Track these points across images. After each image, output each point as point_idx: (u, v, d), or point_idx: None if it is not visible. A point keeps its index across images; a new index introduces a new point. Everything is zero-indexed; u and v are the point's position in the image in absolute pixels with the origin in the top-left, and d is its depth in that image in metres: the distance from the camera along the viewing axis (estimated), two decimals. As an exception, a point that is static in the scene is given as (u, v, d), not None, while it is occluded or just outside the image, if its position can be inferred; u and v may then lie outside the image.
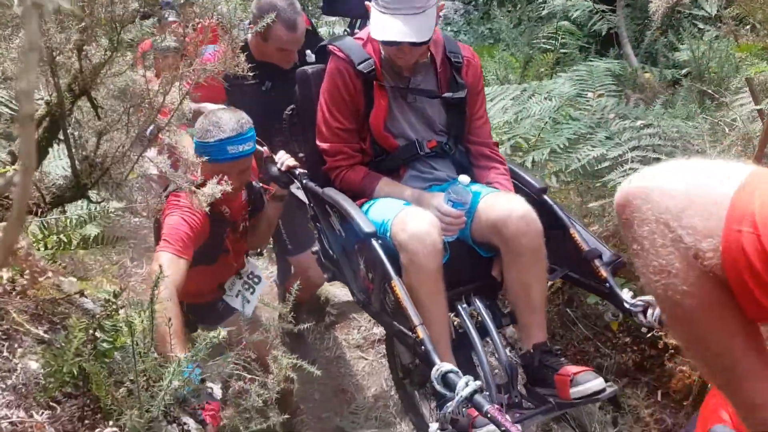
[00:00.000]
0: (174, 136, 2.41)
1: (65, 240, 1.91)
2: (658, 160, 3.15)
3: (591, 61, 4.37)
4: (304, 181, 2.71)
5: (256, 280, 3.02)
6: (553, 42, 5.30)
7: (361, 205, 2.47)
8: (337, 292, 4.24)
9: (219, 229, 2.65)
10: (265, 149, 2.87)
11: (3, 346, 1.51)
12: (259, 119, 2.75)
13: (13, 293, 1.69)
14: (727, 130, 3.08)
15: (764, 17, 2.86)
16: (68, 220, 1.92)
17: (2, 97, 2.55)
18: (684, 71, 4.40)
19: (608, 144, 3.26)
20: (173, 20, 4.14)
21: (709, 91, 3.74)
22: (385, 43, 2.38)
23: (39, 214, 2.00)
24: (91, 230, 2.15)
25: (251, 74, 2.69)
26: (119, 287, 1.75)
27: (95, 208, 2.02)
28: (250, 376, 1.89)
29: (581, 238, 2.40)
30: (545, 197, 2.55)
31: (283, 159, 2.83)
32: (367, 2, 2.41)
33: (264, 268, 4.40)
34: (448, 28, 8.58)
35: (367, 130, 2.52)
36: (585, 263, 2.35)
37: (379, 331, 3.94)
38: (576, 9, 5.54)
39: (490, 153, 2.64)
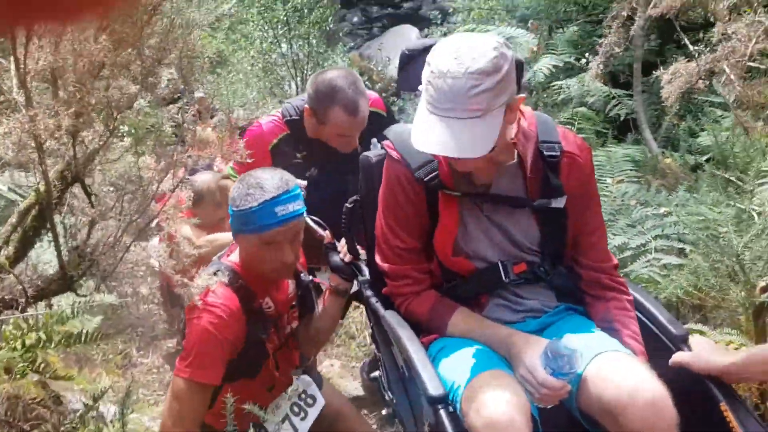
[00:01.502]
0: (174, 225, 2.31)
1: (45, 338, 1.78)
2: (682, 250, 2.99)
3: (609, 147, 4.28)
4: (366, 293, 2.18)
5: (309, 401, 2.30)
6: (571, 127, 5.24)
7: (429, 345, 1.91)
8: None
9: (260, 329, 2.12)
10: (326, 233, 2.41)
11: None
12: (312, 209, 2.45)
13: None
14: (756, 217, 2.93)
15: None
16: (48, 316, 1.79)
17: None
18: (706, 157, 4.29)
19: (630, 232, 3.11)
20: (201, 95, 4.21)
21: (732, 178, 3.61)
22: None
23: (20, 309, 1.88)
24: (83, 324, 2.02)
25: (298, 154, 2.57)
26: (119, 379, 1.60)
27: (80, 302, 1.89)
28: None
29: (737, 419, 1.61)
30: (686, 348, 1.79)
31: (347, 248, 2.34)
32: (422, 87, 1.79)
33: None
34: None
35: (434, 250, 1.93)
36: None
37: None
38: (592, 94, 5.51)
39: (608, 281, 1.91)
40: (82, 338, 1.84)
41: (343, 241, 2.35)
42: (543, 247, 1.89)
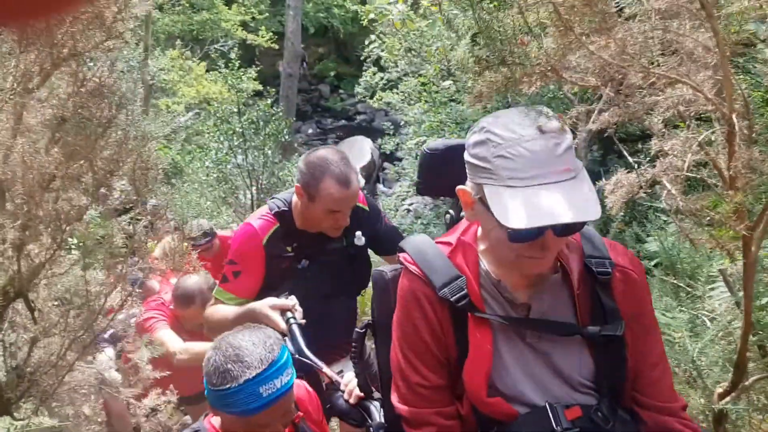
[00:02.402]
0: (136, 339, 2.22)
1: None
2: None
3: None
4: None
5: None
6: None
7: None
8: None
9: None
10: (325, 371, 2.06)
11: None
12: (304, 308, 2.29)
13: None
14: (708, 323, 2.98)
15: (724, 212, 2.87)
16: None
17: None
18: (654, 262, 4.39)
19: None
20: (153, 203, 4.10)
21: (681, 285, 3.69)
22: (525, 237, 1.36)
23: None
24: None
25: (288, 248, 2.48)
26: None
27: (17, 427, 1.77)
28: None
29: None
30: None
31: (352, 386, 1.98)
32: (462, 187, 1.46)
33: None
34: (418, 222, 8.75)
35: (463, 388, 1.52)
36: None
37: None
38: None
39: (679, 426, 1.51)
40: (15, 467, 1.71)
41: (347, 377, 2.02)
42: (599, 385, 1.50)
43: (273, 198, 2.65)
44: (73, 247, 1.95)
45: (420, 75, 9.25)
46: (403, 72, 9.83)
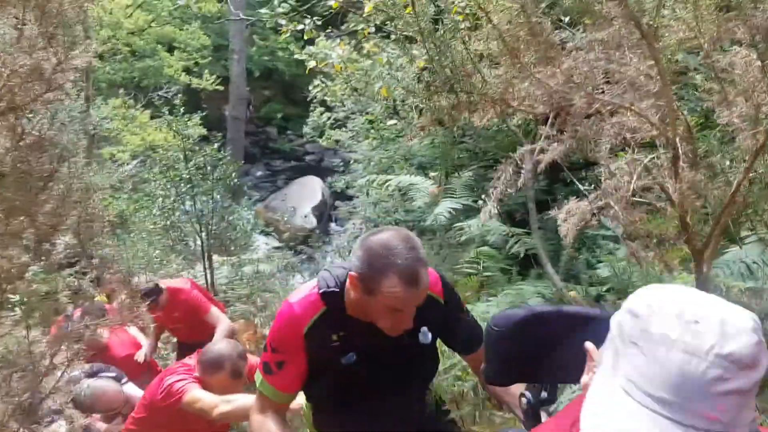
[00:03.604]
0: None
1: None
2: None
3: (519, 284, 4.39)
4: None
5: None
6: (476, 266, 5.37)
7: None
8: None
9: None
10: None
11: None
12: (336, 410, 2.07)
13: None
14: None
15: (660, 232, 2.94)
16: None
17: None
18: (606, 287, 4.46)
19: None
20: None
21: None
22: None
23: None
24: None
25: (334, 335, 2.04)
26: None
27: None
28: None
29: None
30: None
31: None
32: (590, 345, 1.15)
33: None
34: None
35: None
36: None
37: None
38: (492, 233, 5.72)
39: None
40: None
41: None
42: None
43: (325, 270, 2.18)
44: (14, 305, 1.86)
45: (367, 113, 9.35)
46: (350, 111, 9.92)
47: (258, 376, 2.12)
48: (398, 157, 8.84)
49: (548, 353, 1.27)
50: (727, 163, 1.92)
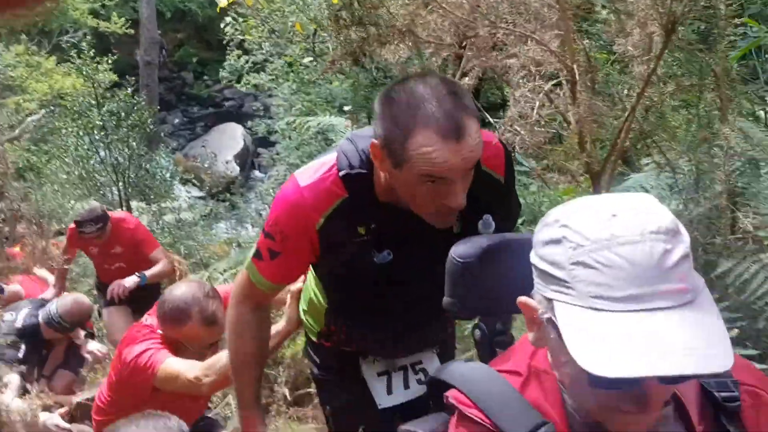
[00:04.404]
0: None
1: None
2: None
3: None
4: None
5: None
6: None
7: None
8: None
9: None
10: None
11: None
12: (367, 316, 1.74)
13: None
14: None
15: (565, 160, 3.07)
16: None
17: None
18: (521, 220, 4.66)
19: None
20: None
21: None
22: (613, 385, 0.89)
23: None
24: None
25: (361, 229, 1.57)
26: None
27: None
28: None
29: None
30: None
31: None
32: (525, 300, 1.02)
33: None
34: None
35: None
36: None
37: None
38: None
39: None
40: None
41: None
42: None
43: (349, 140, 1.61)
44: None
45: (285, 55, 9.17)
46: (268, 53, 9.69)
47: (250, 255, 1.74)
48: (320, 100, 8.77)
49: (511, 282, 1.14)
50: (625, 91, 2.04)
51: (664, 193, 2.63)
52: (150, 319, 2.59)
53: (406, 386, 1.87)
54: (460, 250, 1.30)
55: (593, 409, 0.99)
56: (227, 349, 1.87)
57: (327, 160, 1.59)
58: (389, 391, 1.86)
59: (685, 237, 0.91)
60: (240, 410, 1.83)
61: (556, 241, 0.92)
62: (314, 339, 1.95)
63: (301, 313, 2.01)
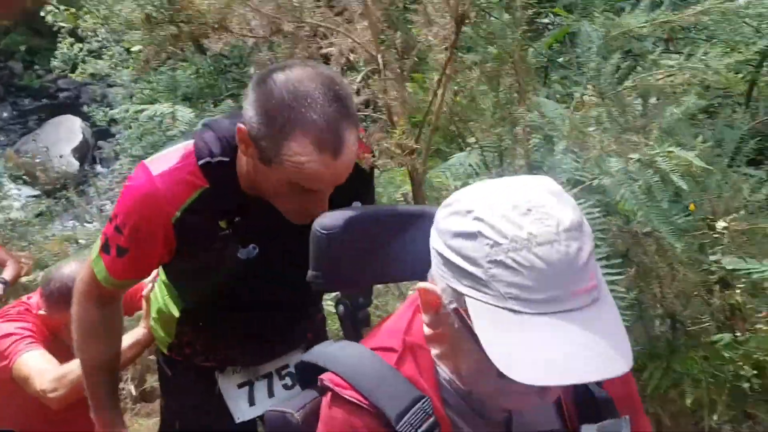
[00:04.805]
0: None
1: None
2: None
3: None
4: None
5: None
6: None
7: None
8: None
9: None
10: None
11: None
12: (227, 320, 1.65)
13: None
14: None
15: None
16: None
17: None
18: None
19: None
20: None
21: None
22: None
23: None
24: None
25: (222, 224, 1.46)
26: None
27: None
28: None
29: None
30: None
31: None
32: (426, 286, 0.99)
33: None
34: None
35: None
36: None
37: None
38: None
39: None
40: None
41: None
42: None
43: (206, 126, 1.49)
44: None
45: (123, 41, 8.78)
46: (105, 40, 9.22)
47: (95, 246, 1.57)
48: (162, 88, 8.50)
49: (376, 254, 1.15)
50: (435, 79, 2.21)
51: (481, 170, 2.87)
52: (35, 297, 2.34)
53: (271, 394, 1.79)
54: (324, 221, 1.23)
55: (490, 392, 1.01)
56: (75, 349, 1.71)
57: (181, 147, 1.47)
58: (251, 402, 1.77)
59: (588, 229, 0.92)
60: (93, 412, 1.73)
61: (471, 236, 0.89)
62: (165, 351, 1.85)
63: (152, 322, 1.91)
